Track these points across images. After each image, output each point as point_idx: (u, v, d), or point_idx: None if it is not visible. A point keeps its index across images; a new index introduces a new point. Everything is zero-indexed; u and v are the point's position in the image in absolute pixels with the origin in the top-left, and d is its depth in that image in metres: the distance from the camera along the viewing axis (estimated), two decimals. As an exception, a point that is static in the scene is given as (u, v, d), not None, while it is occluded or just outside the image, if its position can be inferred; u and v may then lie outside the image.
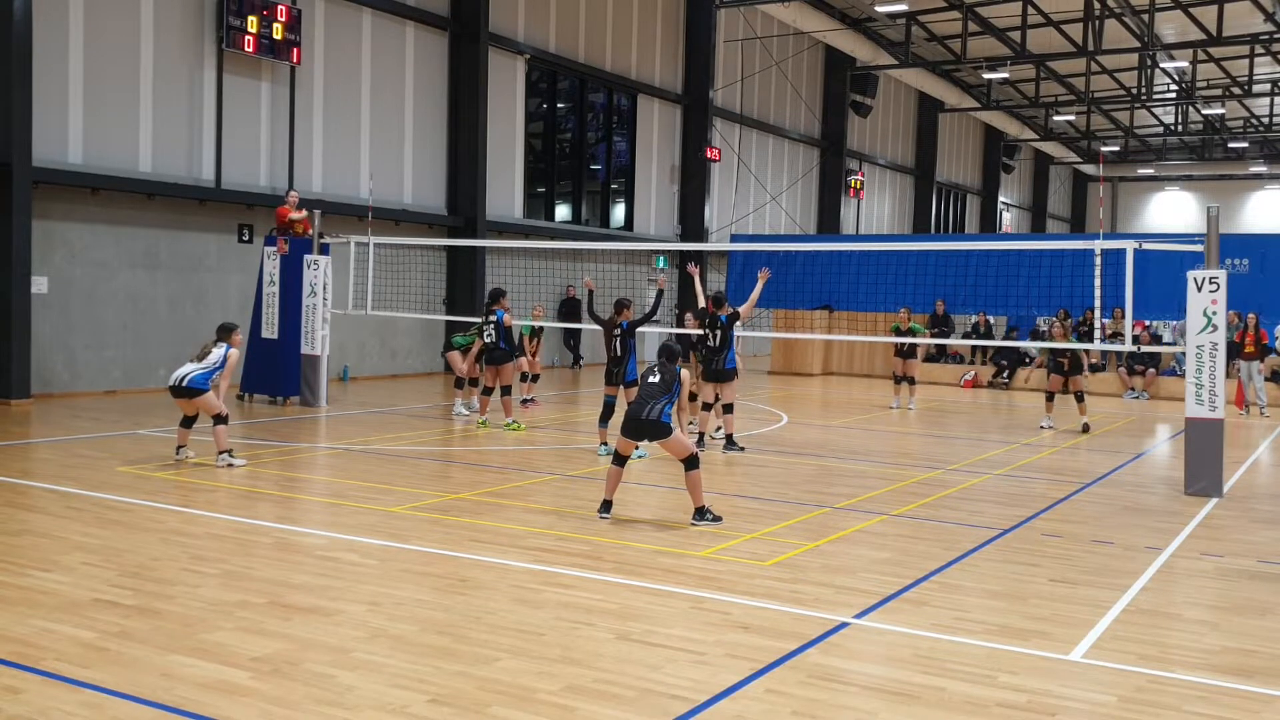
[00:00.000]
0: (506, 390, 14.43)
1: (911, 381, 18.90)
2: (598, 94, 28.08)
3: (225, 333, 11.34)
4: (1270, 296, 20.83)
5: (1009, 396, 22.68)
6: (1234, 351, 19.85)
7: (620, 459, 9.10)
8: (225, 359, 11.12)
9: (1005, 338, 24.49)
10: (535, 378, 17.80)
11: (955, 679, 5.42)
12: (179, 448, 11.24)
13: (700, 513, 8.87)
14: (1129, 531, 9.06)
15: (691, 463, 8.89)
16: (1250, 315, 19.27)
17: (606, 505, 8.99)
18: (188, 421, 11.24)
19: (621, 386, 12.68)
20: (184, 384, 10.95)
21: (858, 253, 22.51)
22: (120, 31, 17.02)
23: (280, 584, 6.81)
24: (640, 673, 5.40)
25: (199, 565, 7.21)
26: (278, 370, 16.71)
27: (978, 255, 22.60)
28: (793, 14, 29.68)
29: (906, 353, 18.82)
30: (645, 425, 8.92)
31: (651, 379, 9.10)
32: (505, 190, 24.76)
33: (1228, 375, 20.10)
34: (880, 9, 29.14)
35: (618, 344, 12.71)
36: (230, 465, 10.88)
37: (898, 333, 18.69)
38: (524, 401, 17.26)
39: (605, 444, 12.37)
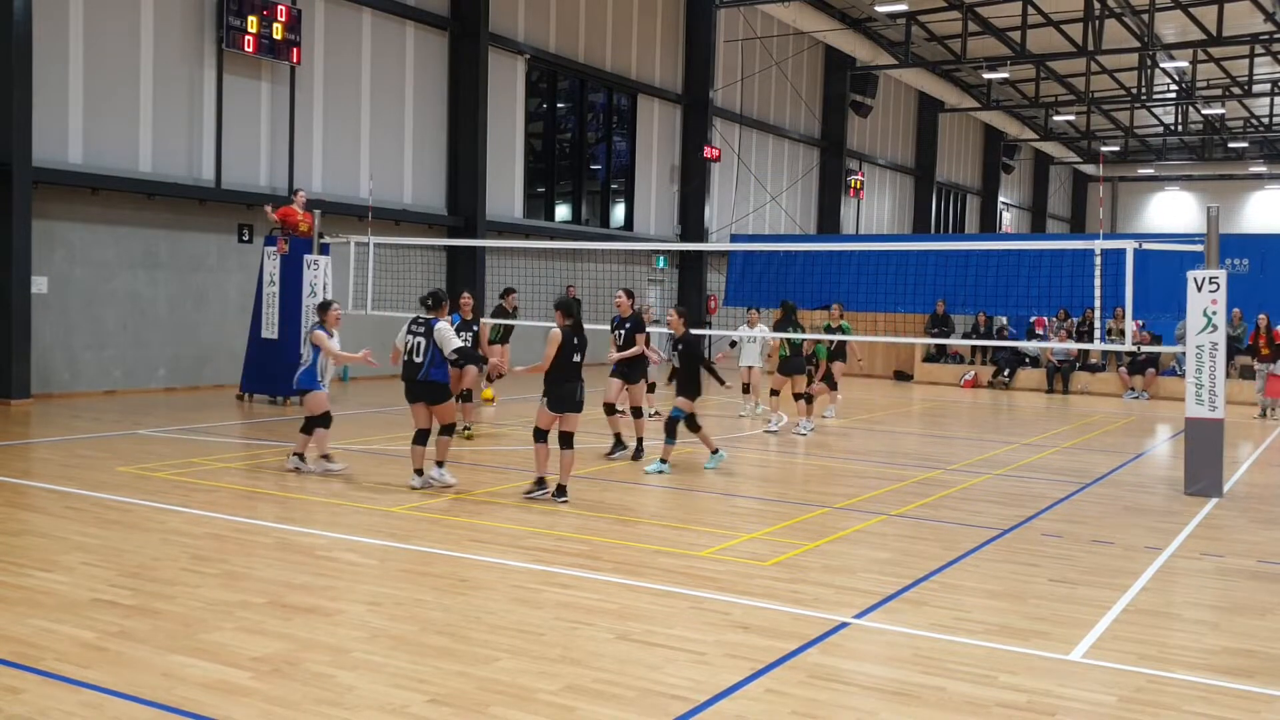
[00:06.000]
0: (467, 396, 13.80)
1: (833, 386, 16.21)
2: (598, 94, 28.07)
3: (321, 310, 10.93)
4: (1270, 296, 20.82)
5: (1009, 396, 22.67)
6: (1245, 352, 19.91)
7: (541, 434, 9.68)
8: (312, 343, 10.70)
9: (995, 336, 24.26)
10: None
11: (955, 679, 5.42)
12: (292, 455, 10.82)
13: (561, 491, 9.53)
14: (1129, 531, 9.06)
15: (565, 442, 9.54)
16: (1261, 316, 19.15)
17: (540, 482, 9.70)
18: (317, 424, 10.70)
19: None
20: (295, 385, 10.92)
21: (858, 253, 22.51)
22: (120, 31, 17.02)
23: (280, 584, 6.81)
24: (640, 673, 5.40)
25: (199, 565, 7.21)
26: (278, 370, 16.69)
27: (978, 255, 22.62)
28: (793, 14, 29.67)
29: (833, 354, 15.96)
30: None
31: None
32: (505, 190, 24.75)
33: (1248, 376, 20.20)
34: (880, 9, 29.13)
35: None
36: (298, 470, 10.62)
37: (828, 330, 15.73)
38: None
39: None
